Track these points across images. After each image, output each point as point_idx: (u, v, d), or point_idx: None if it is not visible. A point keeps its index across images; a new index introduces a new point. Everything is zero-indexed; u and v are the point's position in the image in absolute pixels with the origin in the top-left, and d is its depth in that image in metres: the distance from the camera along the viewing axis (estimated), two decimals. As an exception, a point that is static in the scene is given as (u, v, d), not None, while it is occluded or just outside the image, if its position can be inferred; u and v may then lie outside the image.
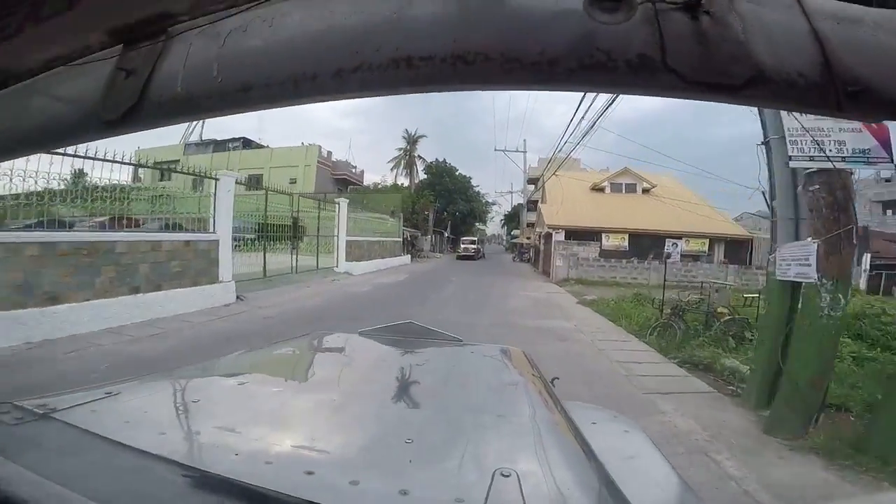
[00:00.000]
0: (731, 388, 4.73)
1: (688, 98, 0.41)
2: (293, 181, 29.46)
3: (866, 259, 14.93)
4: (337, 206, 16.14)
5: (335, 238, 15.78)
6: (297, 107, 0.51)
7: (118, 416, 0.95)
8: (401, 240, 24.46)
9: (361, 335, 1.97)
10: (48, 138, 0.63)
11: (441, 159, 46.94)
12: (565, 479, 0.81)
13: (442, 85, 0.44)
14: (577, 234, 21.53)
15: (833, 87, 0.37)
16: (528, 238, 34.80)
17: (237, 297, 8.80)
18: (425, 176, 46.73)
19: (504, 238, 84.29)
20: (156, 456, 0.74)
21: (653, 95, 0.44)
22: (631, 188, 27.11)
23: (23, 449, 0.75)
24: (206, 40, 0.50)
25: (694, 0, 0.38)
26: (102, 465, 0.74)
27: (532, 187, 36.18)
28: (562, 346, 6.71)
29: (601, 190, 27.05)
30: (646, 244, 20.73)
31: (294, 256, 12.84)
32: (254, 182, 16.96)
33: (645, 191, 26.59)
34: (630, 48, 0.38)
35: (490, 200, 52.27)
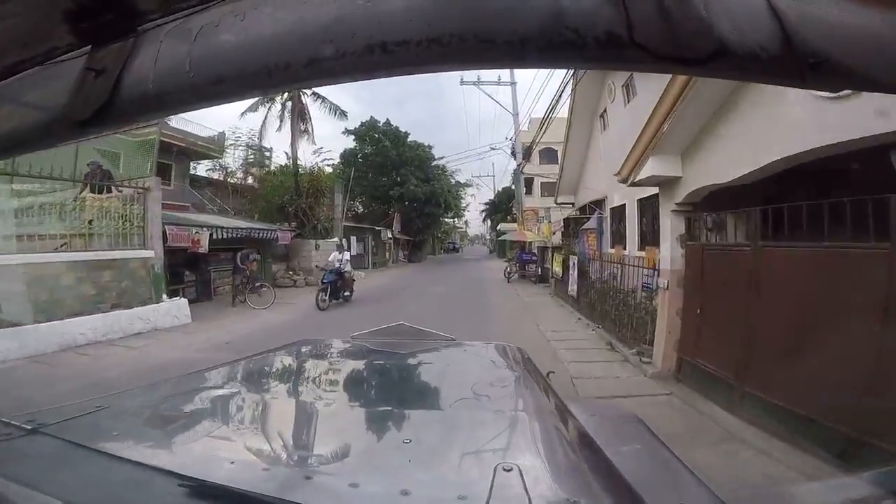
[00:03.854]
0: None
1: (657, 71, 0.45)
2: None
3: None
4: None
5: None
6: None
7: (109, 429, 0.99)
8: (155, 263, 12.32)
9: (354, 339, 2.07)
10: (17, 143, 0.64)
11: (381, 121, 29.62)
12: (567, 471, 0.87)
13: (417, 67, 0.46)
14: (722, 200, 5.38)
15: (795, 60, 0.40)
16: (530, 230, 15.92)
17: None
18: (353, 146, 28.91)
19: (487, 237, 66.85)
20: (151, 467, 0.78)
21: (623, 70, 0.49)
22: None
23: (14, 464, 0.78)
24: (177, 37, 0.51)
25: None
26: (97, 478, 0.77)
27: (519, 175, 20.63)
28: None
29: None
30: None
31: None
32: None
33: None
34: (598, 26, 0.40)
35: (463, 182, 34.35)
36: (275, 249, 16.25)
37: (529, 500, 0.67)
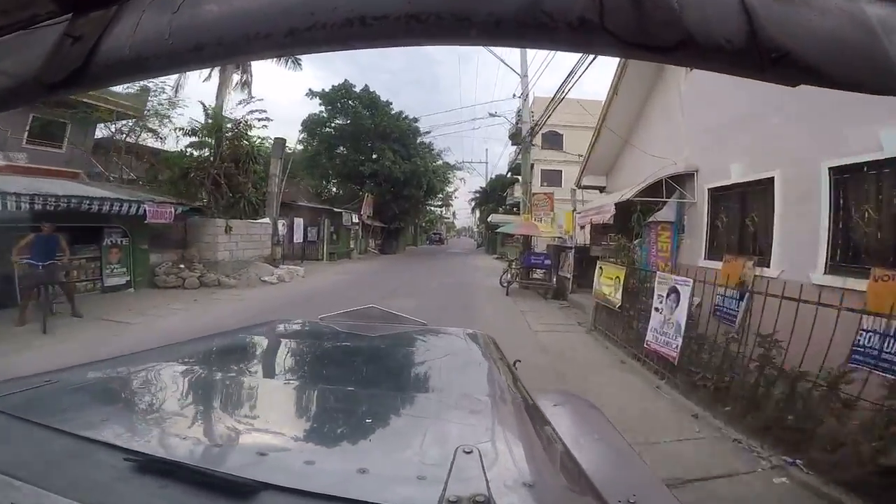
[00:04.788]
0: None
1: (624, 57, 0.46)
2: None
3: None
4: None
5: None
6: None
7: (56, 403, 0.97)
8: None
9: (323, 321, 2.04)
10: None
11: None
12: (526, 456, 0.88)
13: (394, 41, 0.47)
14: None
15: (757, 54, 0.41)
16: (541, 220, 9.89)
17: None
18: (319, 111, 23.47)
19: (475, 230, 61.58)
20: (95, 441, 0.77)
21: (592, 54, 0.52)
22: None
23: None
24: (160, 6, 0.51)
25: None
26: (38, 452, 0.74)
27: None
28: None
29: None
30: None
31: None
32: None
33: None
34: (572, 11, 0.42)
35: (451, 163, 28.87)
36: (163, 232, 10.74)
37: (487, 481, 0.69)
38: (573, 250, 10.41)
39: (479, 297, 10.73)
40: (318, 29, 0.45)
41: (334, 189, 27.06)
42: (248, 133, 13.97)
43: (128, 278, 10.00)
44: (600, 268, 7.02)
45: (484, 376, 1.44)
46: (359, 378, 1.41)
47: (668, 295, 4.86)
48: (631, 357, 5.82)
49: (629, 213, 7.90)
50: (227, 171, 13.04)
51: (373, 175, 23.98)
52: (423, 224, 50.84)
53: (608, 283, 6.57)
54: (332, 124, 25.72)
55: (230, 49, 0.49)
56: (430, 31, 0.44)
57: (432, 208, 41.54)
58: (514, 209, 34.38)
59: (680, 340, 4.63)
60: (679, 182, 7.16)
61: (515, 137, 33.48)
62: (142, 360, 1.34)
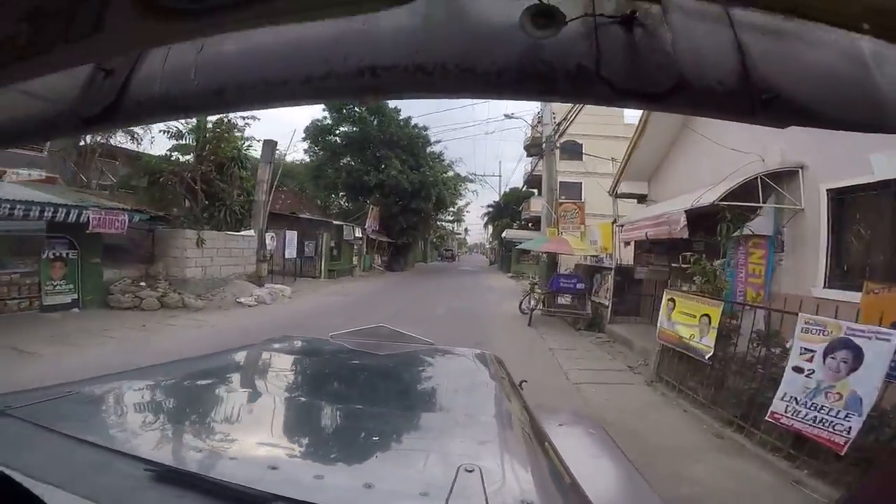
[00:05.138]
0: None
1: (618, 106, 0.47)
2: None
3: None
4: None
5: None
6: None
7: (77, 414, 1.00)
8: None
9: (333, 338, 2.07)
10: (22, 133, 0.65)
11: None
12: (527, 476, 0.89)
13: (402, 93, 0.50)
14: None
15: (748, 95, 0.41)
16: (569, 233, 7.68)
17: None
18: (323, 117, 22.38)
19: (487, 246, 59.55)
20: (115, 451, 0.80)
21: (587, 104, 0.56)
22: None
23: None
24: (185, 44, 0.53)
25: (630, 13, 0.43)
26: (61, 460, 0.77)
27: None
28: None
29: None
30: None
31: None
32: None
33: None
34: (569, 59, 0.42)
35: (464, 175, 27.29)
36: (123, 245, 9.13)
37: (486, 499, 0.71)
38: (612, 271, 8.43)
39: (494, 328, 8.75)
40: (333, 78, 0.47)
41: (343, 202, 25.53)
42: (230, 134, 12.37)
43: (75, 296, 8.35)
44: (670, 300, 5.07)
45: (489, 397, 1.46)
46: (367, 396, 1.43)
47: (829, 351, 2.92)
48: (728, 426, 3.88)
49: (698, 226, 5.96)
50: (205, 177, 11.45)
51: (378, 186, 22.30)
52: (434, 240, 49.16)
53: (687, 321, 4.63)
54: (338, 131, 24.33)
55: (250, 95, 0.50)
56: (436, 83, 0.46)
57: (443, 223, 39.80)
58: (530, 224, 32.36)
59: (858, 422, 2.79)
60: (774, 183, 5.23)
61: (531, 148, 31.72)
62: (158, 374, 1.40)
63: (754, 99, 0.40)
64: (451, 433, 1.09)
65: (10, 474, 0.55)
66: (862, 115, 0.41)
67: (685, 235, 5.67)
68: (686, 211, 5.48)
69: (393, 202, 23.56)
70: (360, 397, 1.38)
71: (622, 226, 8.11)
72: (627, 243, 7.78)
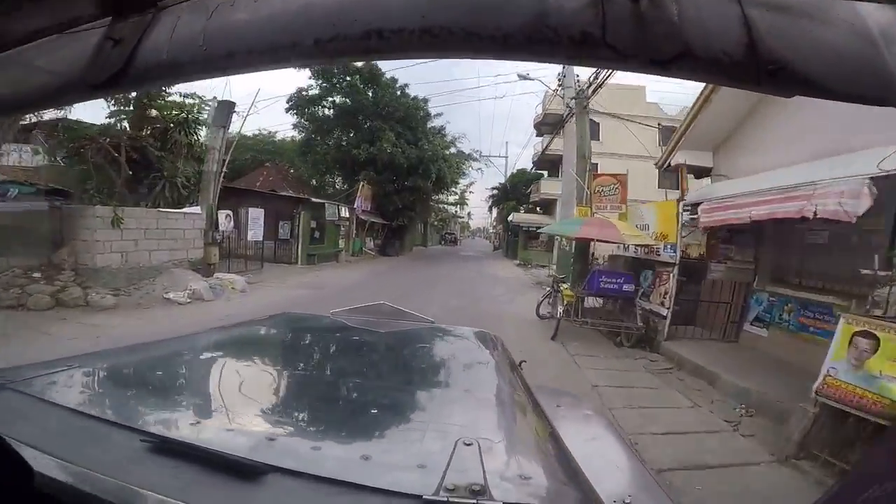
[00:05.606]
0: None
1: (623, 70, 0.47)
2: None
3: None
4: None
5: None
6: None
7: (77, 387, 1.00)
8: None
9: (334, 314, 2.05)
10: (27, 103, 0.67)
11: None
12: (524, 452, 0.91)
13: (409, 53, 0.49)
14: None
15: (755, 66, 0.41)
16: (605, 210, 4.62)
17: None
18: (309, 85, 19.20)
19: (491, 230, 56.79)
20: (114, 423, 0.81)
21: (592, 67, 0.55)
22: None
23: None
24: (194, 13, 0.54)
25: None
26: (60, 432, 0.78)
27: None
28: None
29: None
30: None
31: None
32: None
33: None
34: (574, 26, 0.43)
35: (467, 152, 24.65)
36: (20, 225, 6.77)
37: (484, 472, 0.71)
38: (676, 268, 5.94)
39: (508, 346, 6.32)
40: (340, 40, 0.47)
41: (339, 182, 22.93)
42: (162, 97, 9.72)
43: None
44: (865, 336, 2.62)
45: (488, 374, 1.48)
46: (366, 371, 1.45)
47: None
48: None
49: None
50: (135, 143, 8.91)
51: (370, 161, 19.63)
52: (435, 222, 46.57)
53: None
54: (327, 103, 21.57)
55: (260, 57, 0.51)
56: (442, 45, 0.46)
57: (445, 205, 37.15)
58: (538, 208, 29.76)
59: None
60: None
61: (542, 127, 28.77)
62: (156, 349, 1.39)
63: (760, 69, 0.41)
64: (451, 408, 1.12)
65: (9, 443, 0.56)
66: (870, 89, 0.42)
67: (859, 213, 3.19)
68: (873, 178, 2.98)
69: (387, 180, 20.91)
70: (359, 373, 1.41)
71: (695, 205, 5.59)
72: (712, 228, 5.26)
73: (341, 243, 18.16)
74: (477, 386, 1.32)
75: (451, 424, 0.97)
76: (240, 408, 0.99)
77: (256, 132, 25.68)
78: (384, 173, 20.48)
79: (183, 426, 0.85)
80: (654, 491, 1.12)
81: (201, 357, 1.37)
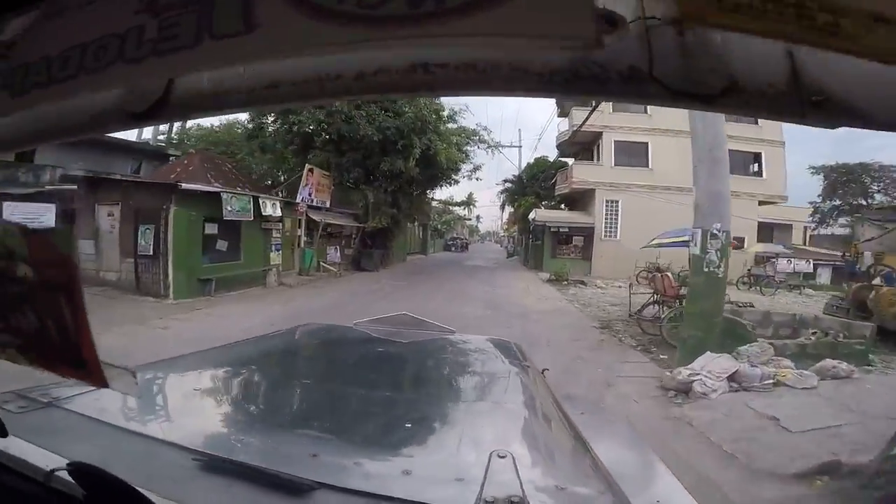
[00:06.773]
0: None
1: (670, 105, 0.47)
2: None
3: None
4: None
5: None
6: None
7: (121, 405, 1.01)
8: None
9: (357, 325, 2.11)
10: (67, 130, 0.65)
11: None
12: (557, 462, 0.95)
13: (454, 90, 0.49)
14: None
15: (798, 97, 0.41)
16: None
17: None
18: None
19: (501, 234, 50.21)
20: (163, 441, 0.84)
21: (640, 103, 0.55)
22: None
23: (32, 436, 0.78)
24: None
25: (681, 17, 0.44)
26: (112, 450, 0.79)
27: None
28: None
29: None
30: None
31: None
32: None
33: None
34: (622, 61, 0.43)
35: (480, 140, 17.92)
36: None
37: (521, 484, 0.73)
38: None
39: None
40: (385, 73, 0.46)
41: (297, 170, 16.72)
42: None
43: None
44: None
45: (515, 384, 1.47)
46: (396, 383, 1.48)
47: None
48: None
49: None
50: None
51: (322, 134, 13.31)
52: (439, 225, 40.03)
53: None
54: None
55: (303, 89, 0.50)
56: (486, 81, 0.45)
57: (448, 204, 30.76)
58: (563, 205, 23.18)
59: None
60: None
61: (565, 103, 22.32)
62: (189, 364, 1.44)
63: (804, 101, 0.41)
64: (482, 420, 1.14)
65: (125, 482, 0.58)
66: None
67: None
68: None
69: (353, 162, 14.66)
70: (389, 385, 1.44)
71: None
72: None
73: (274, 257, 11.81)
74: (505, 396, 1.36)
75: (484, 436, 1.01)
76: (282, 424, 1.06)
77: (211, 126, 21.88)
78: (347, 153, 14.16)
79: (226, 443, 0.90)
80: (681, 495, 1.14)
81: (237, 370, 1.42)
